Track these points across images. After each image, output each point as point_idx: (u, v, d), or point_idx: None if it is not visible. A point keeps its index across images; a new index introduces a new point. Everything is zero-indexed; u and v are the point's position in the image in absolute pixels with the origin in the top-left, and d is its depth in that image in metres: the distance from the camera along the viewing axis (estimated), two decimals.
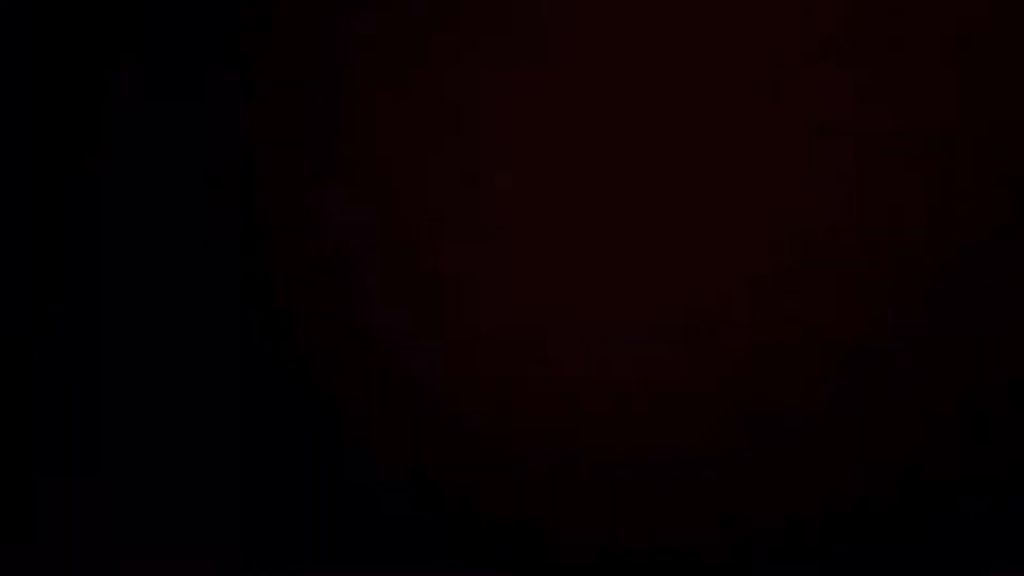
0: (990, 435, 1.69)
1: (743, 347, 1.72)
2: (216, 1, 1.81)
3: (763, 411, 1.71)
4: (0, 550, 1.79)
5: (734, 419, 1.72)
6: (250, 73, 1.81)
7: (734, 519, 1.72)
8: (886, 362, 1.70)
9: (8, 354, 1.81)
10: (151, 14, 1.82)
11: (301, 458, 1.78)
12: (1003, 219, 1.69)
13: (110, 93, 1.82)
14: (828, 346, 1.70)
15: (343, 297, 1.78)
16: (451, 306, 1.77)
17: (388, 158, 1.78)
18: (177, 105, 1.82)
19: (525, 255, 1.76)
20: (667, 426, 1.73)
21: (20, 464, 1.81)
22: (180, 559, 1.80)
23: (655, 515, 1.73)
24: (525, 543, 1.75)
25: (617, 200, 1.75)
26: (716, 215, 1.73)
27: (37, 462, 1.81)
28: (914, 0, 1.71)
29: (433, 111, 1.78)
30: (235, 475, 1.79)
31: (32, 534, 1.80)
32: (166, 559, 1.80)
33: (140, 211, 1.82)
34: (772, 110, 1.72)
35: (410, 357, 1.77)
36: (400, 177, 1.78)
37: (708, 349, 1.73)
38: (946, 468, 1.69)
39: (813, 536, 1.71)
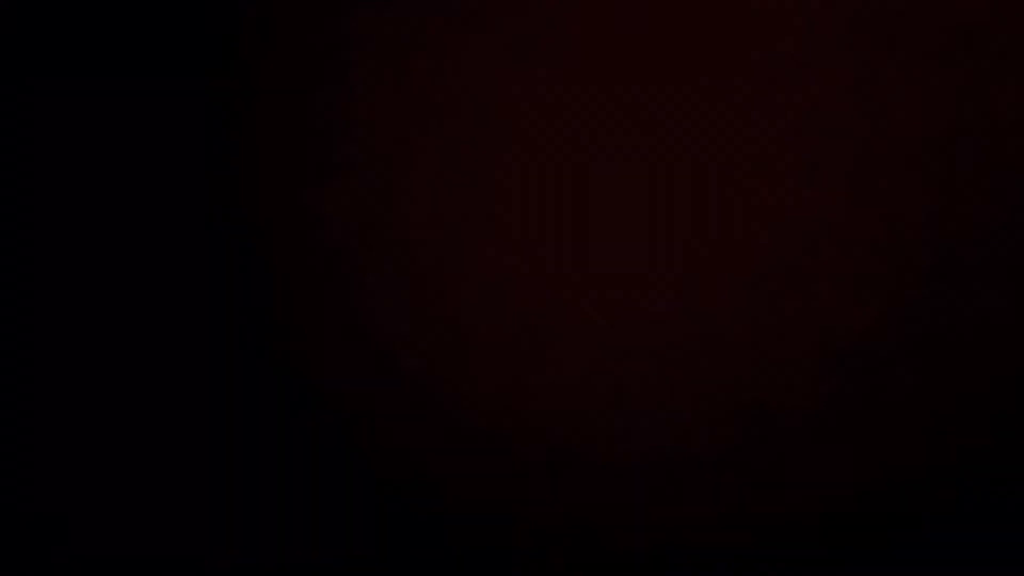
0: (990, 435, 1.69)
1: (743, 347, 1.72)
2: (216, 1, 1.81)
3: (763, 411, 1.71)
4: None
5: (734, 419, 1.72)
6: (250, 72, 1.81)
7: (734, 519, 1.72)
8: (886, 362, 1.70)
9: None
10: (150, 14, 1.82)
11: (300, 458, 1.78)
12: (1003, 219, 1.69)
13: (110, 91, 1.82)
14: (828, 346, 1.70)
15: (343, 297, 1.78)
16: (451, 306, 1.77)
17: (388, 157, 1.78)
18: (177, 105, 1.82)
19: (525, 255, 1.76)
20: (667, 426, 1.73)
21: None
22: (179, 560, 1.80)
23: (655, 515, 1.73)
24: (525, 543, 1.75)
25: (617, 200, 1.75)
26: (716, 214, 1.73)
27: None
28: (914, 0, 1.71)
29: (433, 110, 1.78)
30: (234, 475, 1.79)
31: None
32: (164, 560, 1.80)
33: (140, 211, 1.82)
34: (772, 110, 1.72)
35: (410, 357, 1.77)
36: (400, 177, 1.78)
37: (708, 349, 1.73)
38: (946, 468, 1.69)
39: (813, 536, 1.71)
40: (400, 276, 1.77)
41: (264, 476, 1.79)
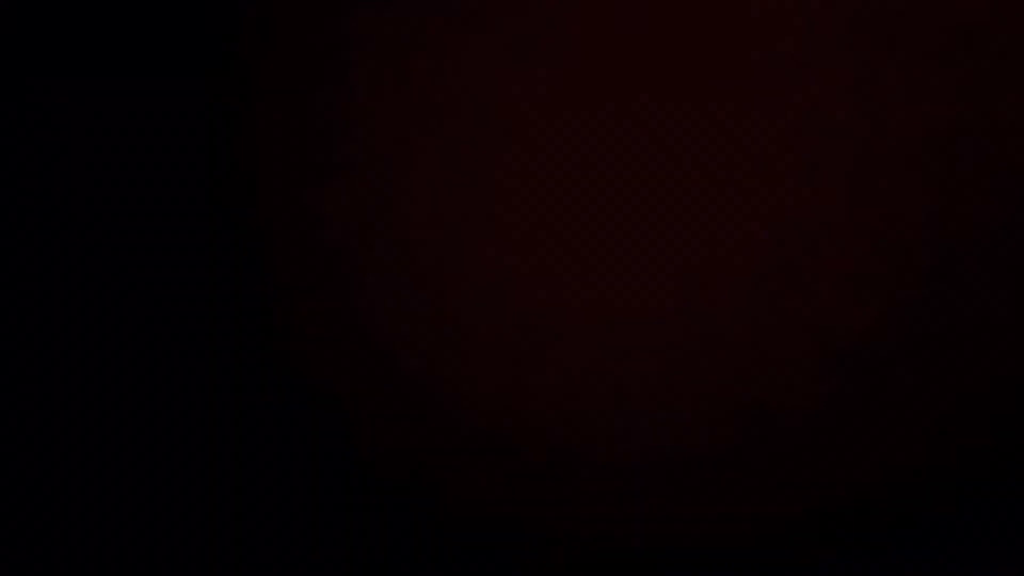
0: (990, 435, 1.69)
1: (743, 347, 1.72)
2: (216, 1, 1.81)
3: (763, 411, 1.71)
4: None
5: (734, 419, 1.72)
6: (250, 72, 1.81)
7: (734, 519, 1.72)
8: (886, 362, 1.70)
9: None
10: (150, 14, 1.82)
11: (300, 458, 1.78)
12: (1003, 219, 1.69)
13: (110, 91, 1.82)
14: (828, 346, 1.70)
15: (343, 297, 1.78)
16: (451, 306, 1.77)
17: (388, 157, 1.78)
18: (177, 105, 1.82)
19: (525, 255, 1.76)
20: (667, 426, 1.73)
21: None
22: (179, 561, 1.80)
23: (655, 515, 1.73)
24: (525, 543, 1.75)
25: (617, 199, 1.75)
26: (716, 214, 1.73)
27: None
28: (913, 0, 1.71)
29: (433, 110, 1.78)
30: (233, 475, 1.79)
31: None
32: (164, 560, 1.80)
33: (140, 210, 1.82)
34: (772, 110, 1.72)
35: (410, 357, 1.77)
36: (400, 177, 1.78)
37: (708, 349, 1.73)
38: (946, 468, 1.69)
39: (813, 536, 1.71)
40: (400, 276, 1.77)
41: (264, 476, 1.79)
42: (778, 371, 1.71)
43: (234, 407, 1.80)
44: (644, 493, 1.73)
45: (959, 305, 1.69)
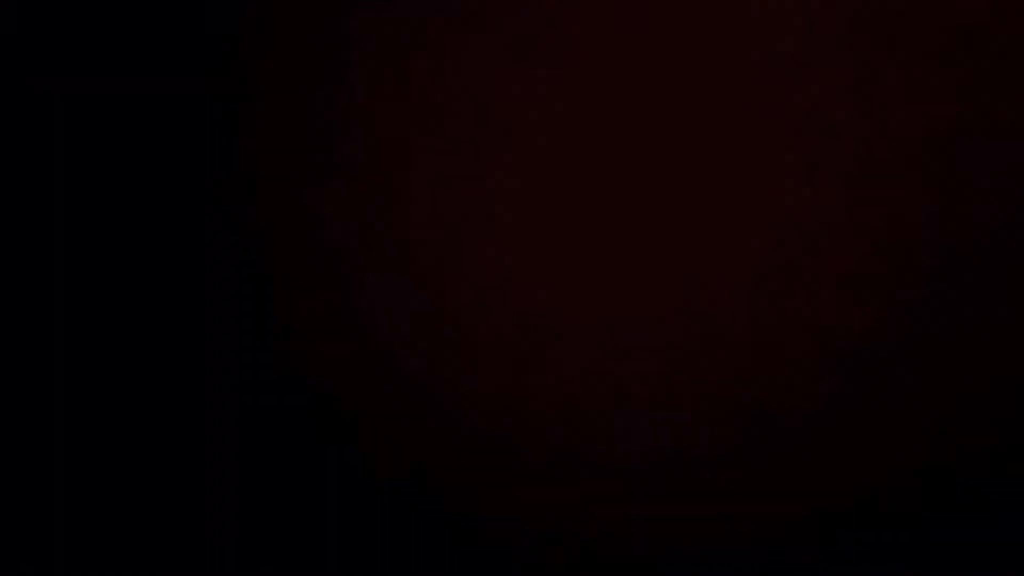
0: (990, 435, 1.69)
1: (743, 347, 1.72)
2: (216, 1, 1.81)
3: (763, 411, 1.71)
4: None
5: (734, 419, 1.72)
6: (250, 72, 1.81)
7: (734, 519, 1.72)
8: (886, 362, 1.70)
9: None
10: (151, 14, 1.82)
11: (300, 459, 1.79)
12: (1003, 219, 1.69)
13: (110, 91, 1.82)
14: (828, 346, 1.70)
15: (343, 297, 1.78)
16: (451, 306, 1.77)
17: (388, 157, 1.78)
18: (177, 105, 1.82)
19: (525, 255, 1.76)
20: (667, 426, 1.73)
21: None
22: (179, 561, 1.80)
23: (655, 515, 1.73)
24: (525, 543, 1.75)
25: (617, 200, 1.75)
26: (716, 214, 1.73)
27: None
28: (914, 0, 1.71)
29: (433, 110, 1.78)
30: (233, 476, 1.79)
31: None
32: (164, 560, 1.80)
33: (139, 210, 1.82)
34: (772, 110, 1.72)
35: (410, 357, 1.77)
36: (400, 177, 1.78)
37: (708, 349, 1.73)
38: (946, 468, 1.69)
39: (813, 536, 1.71)
40: (400, 276, 1.77)
41: (263, 476, 1.79)
42: (778, 371, 1.71)
43: (234, 407, 1.80)
44: (644, 493, 1.73)
45: (959, 305, 1.69)
